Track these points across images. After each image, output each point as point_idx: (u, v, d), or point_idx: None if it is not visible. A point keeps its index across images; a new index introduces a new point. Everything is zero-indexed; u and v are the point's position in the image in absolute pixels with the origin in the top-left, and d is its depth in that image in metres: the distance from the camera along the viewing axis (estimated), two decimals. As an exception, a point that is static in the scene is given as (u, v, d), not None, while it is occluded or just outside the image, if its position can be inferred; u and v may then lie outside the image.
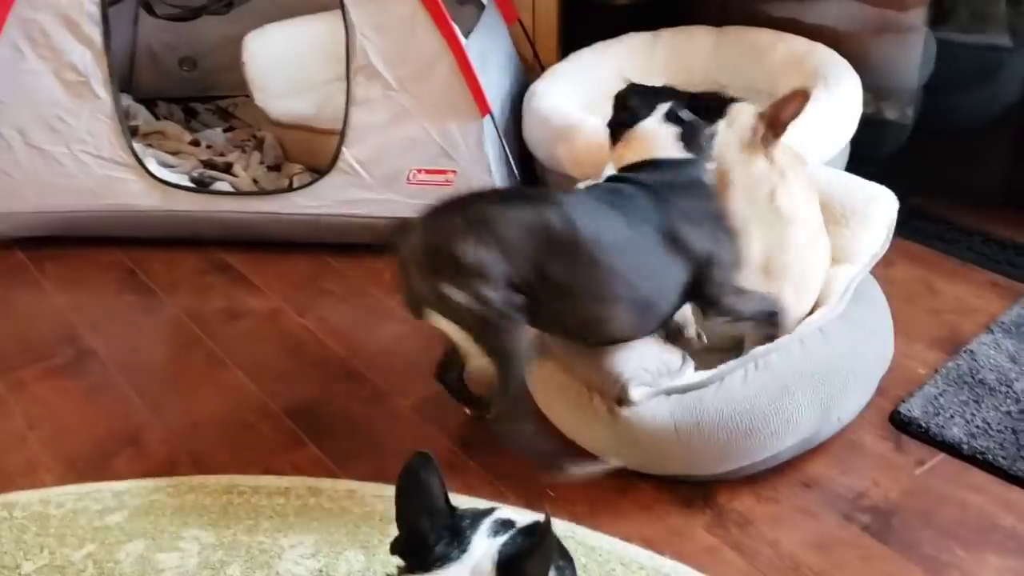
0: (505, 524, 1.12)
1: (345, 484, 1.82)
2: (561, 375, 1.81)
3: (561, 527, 1.68)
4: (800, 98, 1.86)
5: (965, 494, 1.76)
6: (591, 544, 1.67)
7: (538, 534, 1.05)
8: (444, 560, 1.08)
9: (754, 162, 1.90)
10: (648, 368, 1.75)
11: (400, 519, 1.13)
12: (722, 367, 1.76)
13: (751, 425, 1.71)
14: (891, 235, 2.08)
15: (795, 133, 2.26)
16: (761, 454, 1.76)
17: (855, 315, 1.90)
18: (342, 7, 2.39)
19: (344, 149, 2.46)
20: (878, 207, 2.04)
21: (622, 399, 1.70)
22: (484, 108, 2.40)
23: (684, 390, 1.72)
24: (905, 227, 2.61)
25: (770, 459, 1.79)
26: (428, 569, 1.08)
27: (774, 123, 1.89)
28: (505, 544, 1.08)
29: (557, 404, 1.86)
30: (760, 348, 1.78)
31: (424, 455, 1.11)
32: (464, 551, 1.08)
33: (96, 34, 2.49)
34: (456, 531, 1.10)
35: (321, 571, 1.64)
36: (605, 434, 1.76)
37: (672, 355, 1.82)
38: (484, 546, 1.08)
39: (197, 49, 3.32)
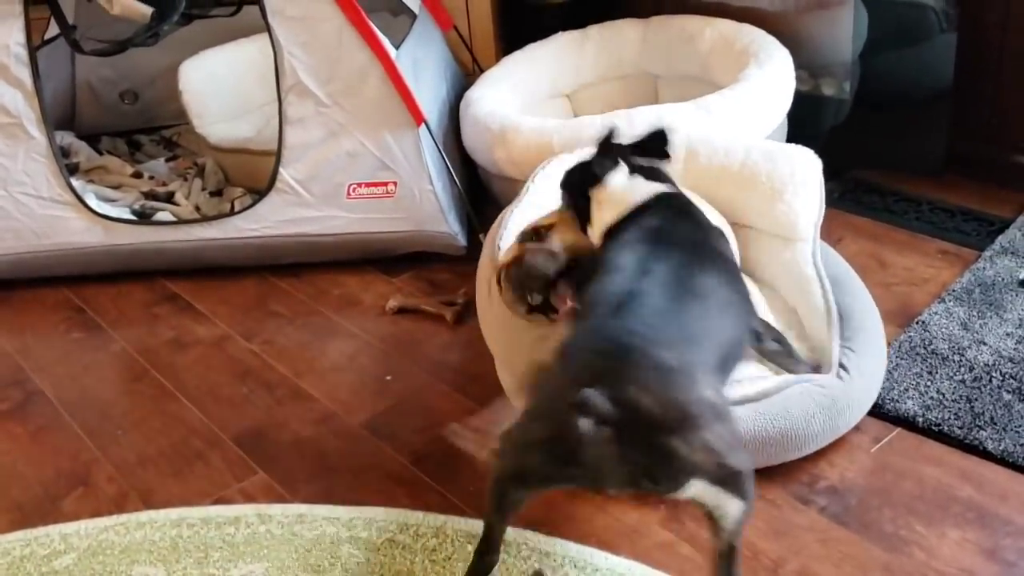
0: None
1: (295, 508, 1.79)
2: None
3: (513, 534, 1.67)
4: None
5: (922, 468, 1.74)
6: (544, 549, 1.64)
7: None
8: None
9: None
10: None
11: None
12: (780, 380, 1.73)
13: (802, 441, 1.72)
14: (824, 196, 2.06)
15: (730, 112, 2.27)
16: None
17: (852, 307, 1.91)
18: (268, 27, 2.37)
19: (281, 169, 2.44)
20: (804, 170, 2.02)
21: None
22: (418, 118, 2.38)
23: (742, 402, 1.69)
24: (851, 201, 2.63)
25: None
26: None
27: None
28: None
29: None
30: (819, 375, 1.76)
31: None
32: None
33: (25, 75, 2.47)
34: None
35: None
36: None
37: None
38: None
39: (136, 81, 3.30)
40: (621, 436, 1.22)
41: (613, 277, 1.51)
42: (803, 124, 2.40)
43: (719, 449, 1.30)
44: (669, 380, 1.29)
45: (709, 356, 1.42)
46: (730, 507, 1.34)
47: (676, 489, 1.30)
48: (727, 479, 1.32)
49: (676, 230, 1.65)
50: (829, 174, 2.06)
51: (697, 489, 1.30)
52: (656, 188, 1.73)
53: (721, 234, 1.79)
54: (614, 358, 1.29)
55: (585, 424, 1.20)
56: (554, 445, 1.29)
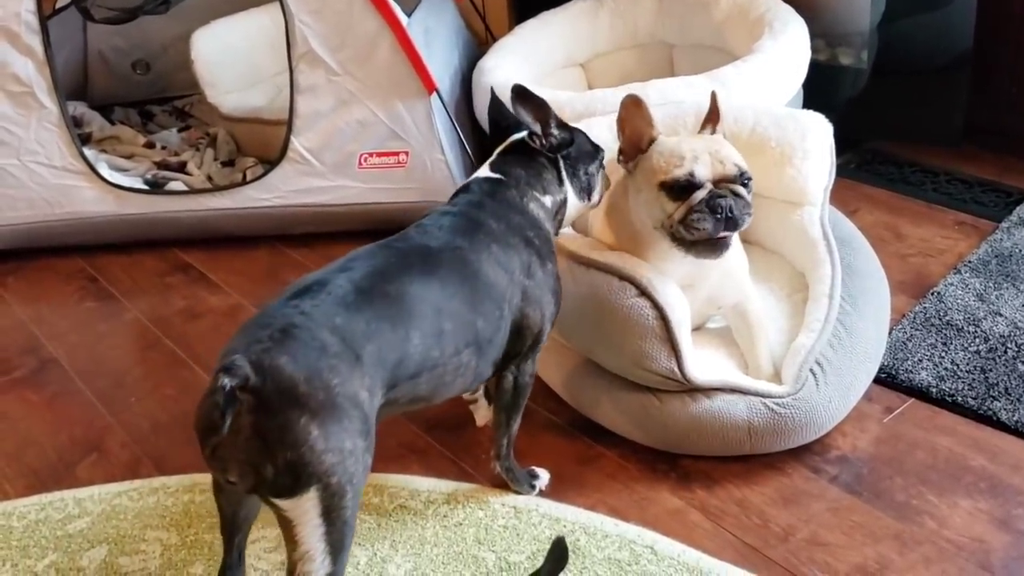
0: None
1: (306, 475, 1.80)
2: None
3: (524, 500, 1.67)
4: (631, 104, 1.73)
5: (935, 438, 1.74)
6: (555, 516, 1.65)
7: None
8: None
9: None
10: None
11: None
12: (796, 376, 1.72)
13: (822, 425, 1.72)
14: (834, 161, 2.03)
15: (745, 83, 2.25)
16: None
17: (856, 265, 1.89)
18: (279, -5, 2.36)
19: (293, 138, 2.44)
20: (814, 136, 1.99)
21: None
22: (430, 86, 2.37)
23: (765, 395, 1.69)
24: (868, 172, 2.61)
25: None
26: None
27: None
28: None
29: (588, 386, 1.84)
30: (814, 344, 1.74)
31: None
32: None
33: (36, 43, 2.47)
34: None
35: (284, 564, 1.61)
36: (662, 418, 1.74)
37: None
38: None
39: (149, 51, 3.29)
40: (258, 406, 1.18)
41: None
42: (820, 94, 2.37)
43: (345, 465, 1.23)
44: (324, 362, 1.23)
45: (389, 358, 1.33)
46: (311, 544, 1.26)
47: (293, 489, 1.22)
48: (335, 519, 1.25)
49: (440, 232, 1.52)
50: (846, 145, 2.04)
51: (306, 506, 1.23)
52: (482, 173, 1.66)
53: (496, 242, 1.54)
54: (273, 330, 1.25)
55: (224, 380, 1.17)
56: (201, 418, 1.23)
